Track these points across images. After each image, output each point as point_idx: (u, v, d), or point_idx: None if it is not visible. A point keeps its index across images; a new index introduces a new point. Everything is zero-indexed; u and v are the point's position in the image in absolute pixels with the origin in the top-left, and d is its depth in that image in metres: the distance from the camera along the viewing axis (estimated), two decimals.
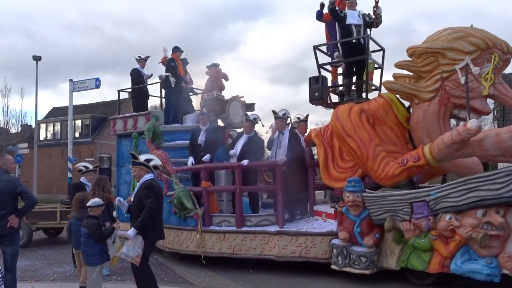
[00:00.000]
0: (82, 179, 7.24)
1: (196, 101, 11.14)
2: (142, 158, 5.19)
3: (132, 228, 4.62)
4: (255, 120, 7.94)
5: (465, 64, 5.30)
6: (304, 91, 60.62)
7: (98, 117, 30.13)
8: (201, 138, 7.96)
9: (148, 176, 4.93)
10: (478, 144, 4.88)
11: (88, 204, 5.17)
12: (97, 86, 17.66)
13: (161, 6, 73.03)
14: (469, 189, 4.80)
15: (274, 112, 7.81)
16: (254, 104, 9.92)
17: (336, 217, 6.29)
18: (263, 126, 11.30)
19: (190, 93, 10.85)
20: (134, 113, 9.89)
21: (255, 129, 7.93)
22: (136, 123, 9.58)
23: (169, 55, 10.38)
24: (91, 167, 7.50)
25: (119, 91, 10.76)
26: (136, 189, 4.95)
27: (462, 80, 5.31)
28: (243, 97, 9.63)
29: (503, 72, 6.06)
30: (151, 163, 5.15)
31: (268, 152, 8.11)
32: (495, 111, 12.03)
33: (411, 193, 5.30)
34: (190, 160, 7.85)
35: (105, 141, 28.80)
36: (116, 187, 10.29)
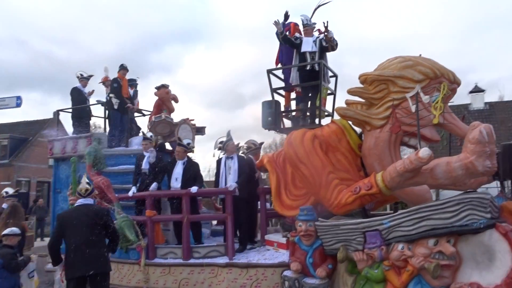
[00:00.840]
0: (4, 205, 6.70)
1: (143, 124, 10.83)
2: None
3: None
4: (188, 145, 7.73)
5: (416, 92, 5.43)
6: (240, 116, 61.22)
7: (18, 137, 28.33)
8: (145, 166, 7.61)
9: (78, 202, 4.68)
10: (430, 173, 4.97)
11: (4, 232, 4.75)
12: (18, 105, 16.81)
13: (95, 24, 71.56)
14: (421, 218, 4.84)
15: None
16: (204, 127, 9.76)
17: (288, 247, 6.16)
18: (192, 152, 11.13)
19: (137, 115, 10.52)
20: (75, 135, 9.40)
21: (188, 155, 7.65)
22: (77, 146, 9.11)
23: (110, 75, 10.07)
24: (11, 191, 6.94)
25: (58, 111, 10.21)
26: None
27: (413, 108, 5.44)
28: (193, 120, 9.44)
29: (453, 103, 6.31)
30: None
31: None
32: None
33: (364, 222, 5.27)
34: (132, 190, 7.46)
35: (24, 164, 26.98)
36: (52, 215, 9.60)
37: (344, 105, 6.55)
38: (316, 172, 6.00)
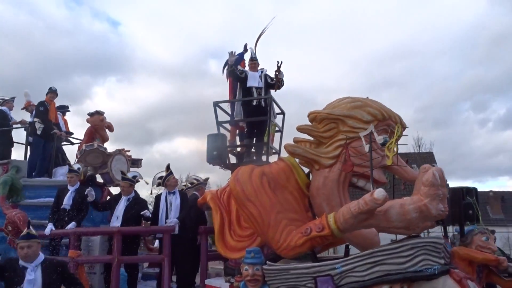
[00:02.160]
0: None
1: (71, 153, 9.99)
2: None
3: None
4: (134, 178, 7.16)
5: (369, 132, 5.42)
6: (148, 151, 60.34)
7: None
8: (67, 202, 6.85)
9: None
10: (384, 215, 4.88)
11: None
12: None
13: None
14: (374, 263, 4.69)
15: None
16: (141, 159, 9.19)
17: None
18: (146, 183, 10.50)
19: (65, 143, 9.67)
20: None
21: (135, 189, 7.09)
22: None
23: (32, 99, 9.28)
24: None
25: None
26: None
27: (366, 148, 5.41)
28: (129, 151, 8.85)
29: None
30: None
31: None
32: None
33: (315, 266, 5.02)
34: (49, 227, 6.64)
35: None
36: None
37: (292, 143, 6.45)
38: (264, 211, 5.70)
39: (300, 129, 6.38)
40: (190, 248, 6.48)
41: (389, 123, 6.04)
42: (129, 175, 7.23)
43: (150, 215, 6.55)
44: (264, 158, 7.49)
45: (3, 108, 9.06)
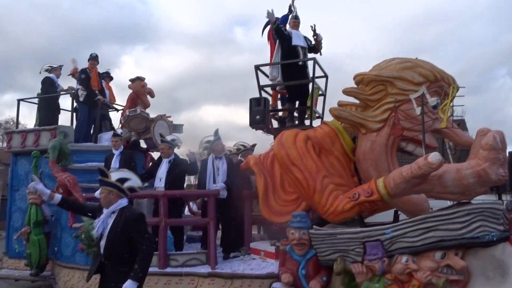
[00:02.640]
0: None
1: (116, 119, 10.18)
2: (114, 176, 3.93)
3: (130, 280, 3.45)
4: (173, 142, 7.20)
5: (421, 94, 5.16)
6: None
7: None
8: (114, 165, 6.99)
9: (124, 202, 3.82)
10: (438, 180, 4.70)
11: None
12: None
13: (23, 14, 68.06)
14: (427, 229, 4.55)
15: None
16: (182, 125, 9.23)
17: (277, 256, 5.74)
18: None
19: (110, 110, 9.84)
20: (37, 128, 8.62)
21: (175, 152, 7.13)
22: (39, 139, 8.35)
23: (79, 66, 9.41)
24: None
25: (19, 100, 9.37)
26: (103, 219, 3.77)
27: (417, 111, 5.16)
28: (170, 116, 8.90)
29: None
30: (127, 184, 3.92)
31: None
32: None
33: (364, 231, 4.93)
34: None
35: None
36: (8, 216, 8.75)
37: (337, 106, 6.26)
38: (310, 176, 5.63)
39: (346, 91, 6.17)
40: (234, 212, 6.52)
41: (441, 85, 5.73)
42: (168, 138, 7.27)
43: None
44: (307, 122, 7.34)
45: (51, 75, 9.26)
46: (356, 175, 6.22)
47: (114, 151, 7.21)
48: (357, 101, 6.22)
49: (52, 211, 7.58)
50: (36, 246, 7.02)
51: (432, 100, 5.17)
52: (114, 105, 9.88)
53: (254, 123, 6.74)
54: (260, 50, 63.53)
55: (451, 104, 4.95)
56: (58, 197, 4.28)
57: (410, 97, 5.45)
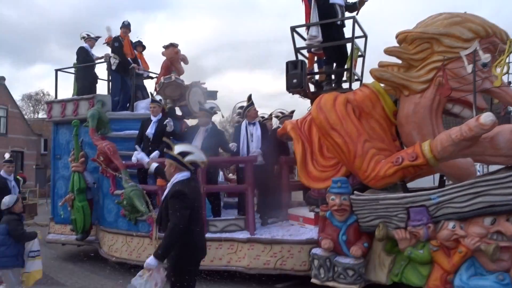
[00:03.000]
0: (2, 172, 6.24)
1: (151, 86, 10.22)
2: (176, 149, 3.79)
3: (151, 256, 3.49)
4: (212, 110, 7.14)
5: (473, 50, 4.83)
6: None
7: None
8: (150, 130, 7.04)
9: (181, 176, 3.71)
10: (490, 142, 4.46)
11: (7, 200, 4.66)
12: None
13: None
14: (476, 194, 4.37)
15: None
16: (216, 92, 9.16)
17: (317, 222, 5.71)
18: (222, 117, 10.53)
19: (144, 78, 9.88)
20: (75, 97, 8.79)
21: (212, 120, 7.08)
22: (78, 108, 8.52)
23: (114, 34, 9.39)
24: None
25: (56, 70, 9.54)
26: (166, 189, 3.79)
27: (469, 69, 4.86)
28: (204, 83, 8.84)
29: None
30: (188, 158, 3.75)
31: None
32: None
33: (408, 196, 4.80)
34: (137, 155, 6.87)
35: None
36: (52, 184, 9.12)
37: (377, 67, 5.99)
38: (351, 140, 5.48)
39: (388, 51, 5.88)
40: (271, 178, 6.50)
41: (493, 41, 5.35)
42: (207, 106, 7.23)
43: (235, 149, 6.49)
44: (345, 86, 7.09)
45: (85, 45, 9.31)
46: (398, 139, 6.02)
47: (152, 117, 7.24)
48: (399, 61, 5.96)
49: (93, 178, 7.81)
50: (80, 212, 7.29)
51: (485, 57, 4.85)
52: (148, 73, 9.89)
53: (291, 87, 6.57)
54: (284, 15, 61.72)
55: (507, 60, 4.60)
56: (154, 166, 4.31)
57: (460, 54, 5.13)
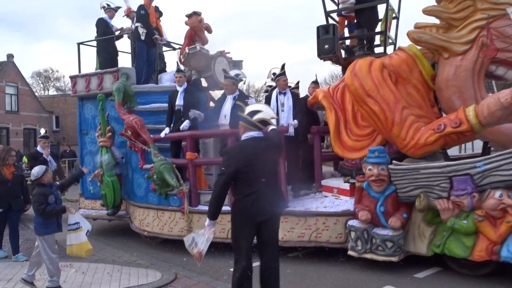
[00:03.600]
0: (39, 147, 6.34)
1: (173, 57, 10.06)
2: (247, 110, 3.85)
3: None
4: (237, 77, 6.99)
5: None
6: None
7: None
8: (179, 103, 6.96)
9: (245, 136, 3.73)
10: None
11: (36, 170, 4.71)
12: None
13: None
14: None
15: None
16: (242, 61, 9.01)
17: (352, 193, 5.62)
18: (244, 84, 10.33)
19: (166, 48, 9.74)
20: (99, 71, 8.74)
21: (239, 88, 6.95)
22: (102, 82, 8.46)
23: (132, 6, 9.18)
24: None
25: (78, 43, 9.49)
26: None
27: None
28: (229, 52, 8.66)
29: None
30: (256, 117, 3.71)
31: None
32: None
33: (451, 165, 4.65)
34: (165, 130, 6.87)
35: None
36: (80, 159, 9.24)
37: (414, 29, 5.72)
38: (388, 107, 5.31)
39: (427, 11, 5.62)
40: (303, 149, 6.39)
41: None
42: (232, 73, 7.08)
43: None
44: (378, 50, 6.85)
45: (104, 16, 9.15)
46: (436, 105, 5.81)
47: (178, 88, 7.14)
48: (437, 22, 5.68)
49: (122, 153, 7.86)
50: (110, 187, 7.38)
51: None
52: (171, 43, 9.74)
53: (323, 53, 6.37)
54: None
55: None
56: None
57: (507, 10, 4.84)
